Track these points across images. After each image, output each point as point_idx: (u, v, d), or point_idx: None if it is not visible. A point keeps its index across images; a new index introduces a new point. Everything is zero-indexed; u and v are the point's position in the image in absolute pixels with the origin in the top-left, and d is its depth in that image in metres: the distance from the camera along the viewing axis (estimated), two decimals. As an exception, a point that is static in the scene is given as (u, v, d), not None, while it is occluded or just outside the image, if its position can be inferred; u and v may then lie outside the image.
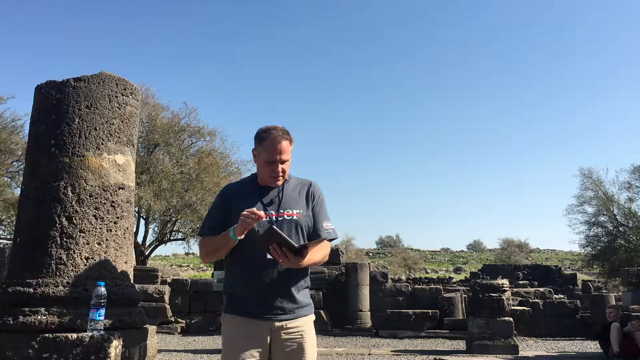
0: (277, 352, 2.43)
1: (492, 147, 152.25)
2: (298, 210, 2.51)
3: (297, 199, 2.54)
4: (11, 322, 2.99)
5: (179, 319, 13.16)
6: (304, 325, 2.49)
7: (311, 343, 2.49)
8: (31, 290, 3.08)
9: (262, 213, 2.33)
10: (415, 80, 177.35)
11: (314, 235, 2.52)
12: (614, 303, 11.94)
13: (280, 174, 2.48)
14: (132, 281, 3.50)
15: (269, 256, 2.32)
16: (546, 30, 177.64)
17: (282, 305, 2.42)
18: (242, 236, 2.35)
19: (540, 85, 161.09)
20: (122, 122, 3.56)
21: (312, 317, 2.57)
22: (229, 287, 2.53)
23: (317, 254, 2.43)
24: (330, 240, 2.57)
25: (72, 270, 3.18)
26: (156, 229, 24.41)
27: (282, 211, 2.48)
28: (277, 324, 2.41)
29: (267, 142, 2.46)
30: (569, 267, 51.41)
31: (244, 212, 2.30)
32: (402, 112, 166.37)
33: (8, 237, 20.60)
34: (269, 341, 2.42)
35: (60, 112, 3.39)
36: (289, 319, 2.44)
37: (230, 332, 2.45)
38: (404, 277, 31.21)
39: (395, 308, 13.21)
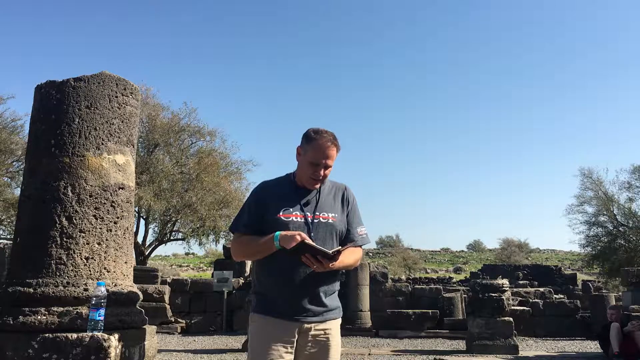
0: (302, 354, 2.45)
1: (492, 147, 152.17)
2: (334, 214, 2.54)
3: (332, 203, 2.57)
4: (11, 322, 2.99)
5: (179, 319, 13.17)
6: (331, 329, 2.51)
7: (336, 346, 2.51)
8: (31, 290, 3.08)
9: (304, 236, 2.30)
10: (415, 79, 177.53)
11: (348, 240, 2.55)
12: (614, 303, 11.94)
13: (321, 177, 2.50)
14: (132, 281, 3.50)
15: None
16: (546, 29, 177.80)
17: (311, 307, 2.43)
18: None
19: (540, 85, 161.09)
20: (122, 122, 3.56)
21: (339, 320, 2.58)
22: (260, 287, 2.53)
23: (349, 257, 2.47)
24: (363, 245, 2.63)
25: (72, 270, 3.18)
26: (156, 229, 24.47)
27: (318, 213, 2.50)
28: (306, 325, 2.43)
29: (316, 143, 2.47)
30: (569, 267, 51.41)
31: (296, 237, 2.28)
32: (401, 111, 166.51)
33: (8, 237, 20.62)
34: (296, 342, 2.44)
35: (60, 112, 3.39)
36: (317, 322, 2.45)
37: (259, 332, 2.46)
38: (404, 277, 31.23)
39: (395, 308, 13.22)
